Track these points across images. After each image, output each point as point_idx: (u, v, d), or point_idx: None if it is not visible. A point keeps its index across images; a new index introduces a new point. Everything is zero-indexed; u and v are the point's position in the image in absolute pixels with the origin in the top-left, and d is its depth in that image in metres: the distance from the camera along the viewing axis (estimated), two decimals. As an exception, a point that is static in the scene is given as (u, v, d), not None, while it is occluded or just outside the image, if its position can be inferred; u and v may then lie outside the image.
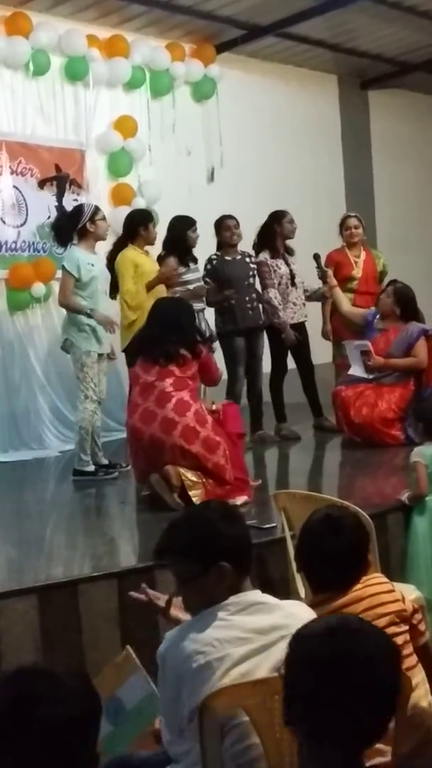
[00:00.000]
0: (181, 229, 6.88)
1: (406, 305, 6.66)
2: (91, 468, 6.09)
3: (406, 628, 2.65)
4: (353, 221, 7.50)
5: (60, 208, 7.81)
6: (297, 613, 2.37)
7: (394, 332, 6.62)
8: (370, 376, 6.56)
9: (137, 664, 2.80)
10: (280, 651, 2.19)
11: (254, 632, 2.29)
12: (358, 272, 7.39)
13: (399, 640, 2.60)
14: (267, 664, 2.27)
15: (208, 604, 2.36)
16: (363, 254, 7.51)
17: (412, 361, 6.52)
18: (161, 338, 5.17)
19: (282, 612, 2.36)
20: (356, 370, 6.62)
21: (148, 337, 5.31)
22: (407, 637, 2.64)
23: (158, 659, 2.37)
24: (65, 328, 6.31)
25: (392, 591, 2.71)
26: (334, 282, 7.08)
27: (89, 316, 6.05)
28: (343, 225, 7.52)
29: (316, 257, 7.19)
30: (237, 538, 2.42)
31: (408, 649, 2.61)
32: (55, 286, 7.65)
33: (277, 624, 2.30)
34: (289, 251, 7.30)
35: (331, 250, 7.50)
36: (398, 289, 6.72)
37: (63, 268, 6.16)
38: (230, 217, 7.13)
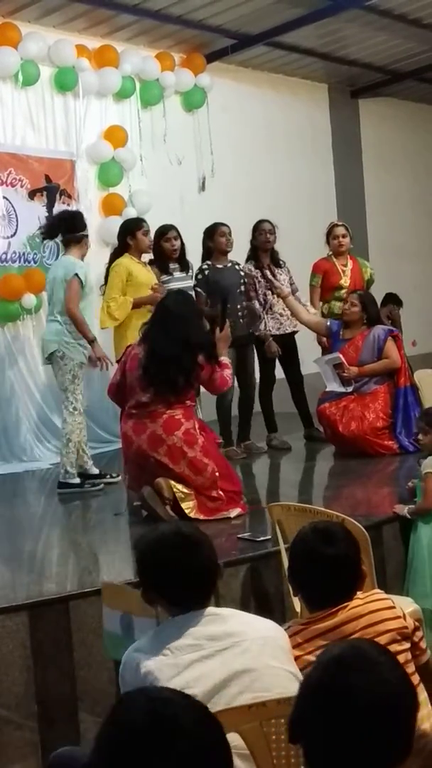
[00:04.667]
0: (155, 236, 6.94)
1: (371, 311, 6.69)
2: (77, 480, 6.06)
3: (408, 645, 2.60)
4: (341, 230, 7.41)
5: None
6: (252, 622, 2.43)
7: (360, 339, 6.60)
8: (349, 389, 6.50)
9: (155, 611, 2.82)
10: (234, 656, 2.27)
11: (206, 639, 2.31)
12: (346, 281, 7.33)
13: (400, 658, 2.54)
14: (222, 669, 2.27)
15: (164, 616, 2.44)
16: (350, 263, 7.45)
17: (386, 362, 6.50)
18: (162, 367, 4.92)
19: (236, 620, 2.40)
20: (333, 386, 6.53)
21: (153, 356, 4.98)
22: (408, 655, 2.59)
23: (119, 679, 2.41)
24: (55, 338, 6.12)
25: (393, 608, 2.65)
26: (285, 292, 6.97)
27: (90, 341, 6.02)
28: (331, 234, 7.42)
29: (261, 268, 7.09)
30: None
31: (409, 668, 2.55)
32: (46, 297, 7.65)
33: (230, 631, 2.33)
34: (276, 263, 7.24)
35: (319, 259, 7.45)
36: (362, 296, 6.77)
37: (75, 275, 5.99)
38: (224, 224, 7.04)
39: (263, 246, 7.16)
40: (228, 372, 5.16)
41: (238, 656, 2.28)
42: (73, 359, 6.04)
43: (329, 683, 1.55)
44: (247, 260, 7.19)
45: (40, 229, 6.88)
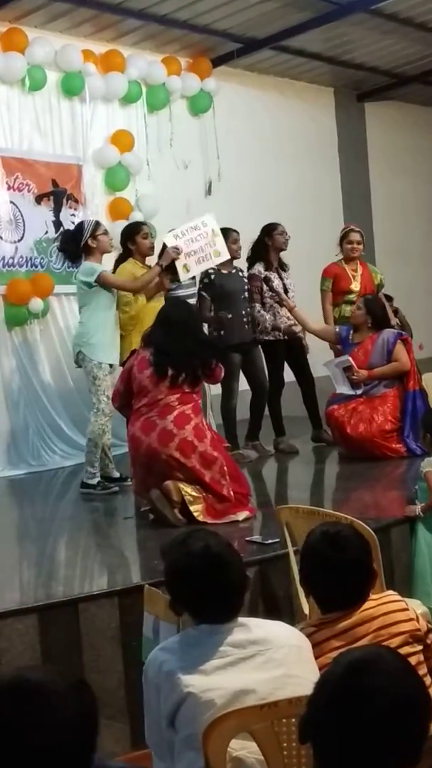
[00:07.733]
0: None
1: (376, 314, 6.70)
2: (95, 480, 6.05)
3: (420, 648, 2.60)
4: (357, 236, 7.38)
5: (57, 223, 7.81)
6: (277, 631, 2.43)
7: (370, 342, 6.62)
8: (358, 391, 6.52)
9: (177, 619, 2.89)
10: (257, 664, 2.29)
11: (230, 645, 2.33)
12: (356, 286, 7.33)
13: (412, 660, 2.54)
14: (245, 676, 2.29)
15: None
16: (360, 268, 7.44)
17: (395, 365, 6.51)
18: (179, 361, 5.03)
19: (261, 630, 2.40)
20: (342, 388, 6.56)
21: (163, 352, 5.08)
22: (421, 657, 2.59)
23: (143, 676, 2.42)
24: (76, 340, 6.31)
25: (406, 609, 2.65)
26: (292, 304, 6.97)
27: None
28: (345, 238, 7.39)
29: (267, 280, 7.05)
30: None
31: (422, 670, 2.56)
32: (53, 302, 7.70)
33: (254, 639, 2.35)
34: (283, 266, 7.26)
35: (329, 263, 7.45)
36: (367, 300, 6.80)
37: (102, 272, 6.15)
38: (234, 230, 7.06)
39: (281, 247, 7.18)
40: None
41: (261, 665, 2.30)
42: (92, 360, 6.08)
43: (348, 683, 1.55)
44: (255, 261, 7.18)
45: (66, 261, 6.94)
